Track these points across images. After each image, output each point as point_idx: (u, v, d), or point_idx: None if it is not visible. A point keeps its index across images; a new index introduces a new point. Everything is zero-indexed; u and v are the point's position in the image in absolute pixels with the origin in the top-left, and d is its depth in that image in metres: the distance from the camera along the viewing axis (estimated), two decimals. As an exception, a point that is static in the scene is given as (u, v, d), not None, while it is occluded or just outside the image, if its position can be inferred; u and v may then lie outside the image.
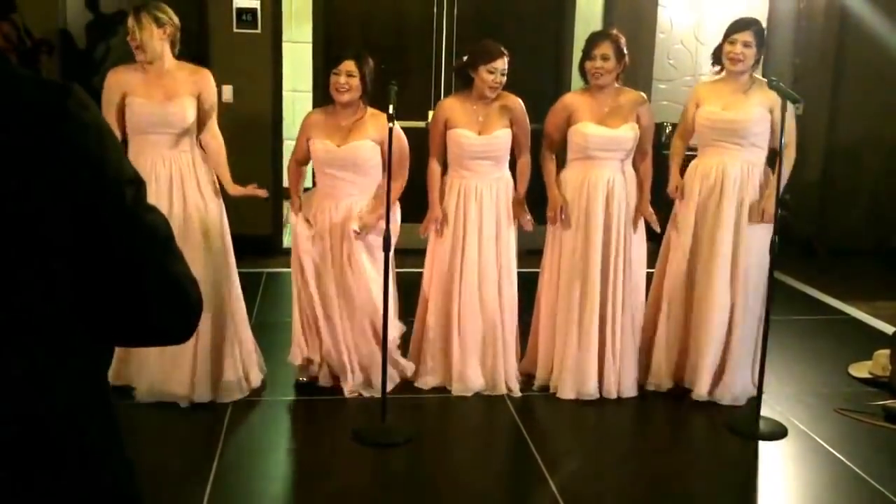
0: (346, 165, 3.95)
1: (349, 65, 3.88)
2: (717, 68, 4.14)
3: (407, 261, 4.70)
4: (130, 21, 3.80)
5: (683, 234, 4.15)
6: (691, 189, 4.13)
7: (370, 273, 3.97)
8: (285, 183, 6.15)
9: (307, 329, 4.07)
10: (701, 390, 4.10)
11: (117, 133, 3.79)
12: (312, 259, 3.99)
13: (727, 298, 4.06)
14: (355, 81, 3.88)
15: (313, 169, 4.21)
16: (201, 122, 3.91)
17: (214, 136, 3.96)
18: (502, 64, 4.00)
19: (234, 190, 3.99)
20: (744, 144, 4.03)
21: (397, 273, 4.13)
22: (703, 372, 4.10)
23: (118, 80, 3.84)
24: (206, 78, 3.95)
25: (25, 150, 1.02)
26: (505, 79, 4.04)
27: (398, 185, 3.98)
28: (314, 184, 4.27)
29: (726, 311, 4.07)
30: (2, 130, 1.01)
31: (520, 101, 4.13)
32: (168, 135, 3.81)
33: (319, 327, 4.04)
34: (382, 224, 3.71)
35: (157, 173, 3.77)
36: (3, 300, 1.01)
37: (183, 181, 3.82)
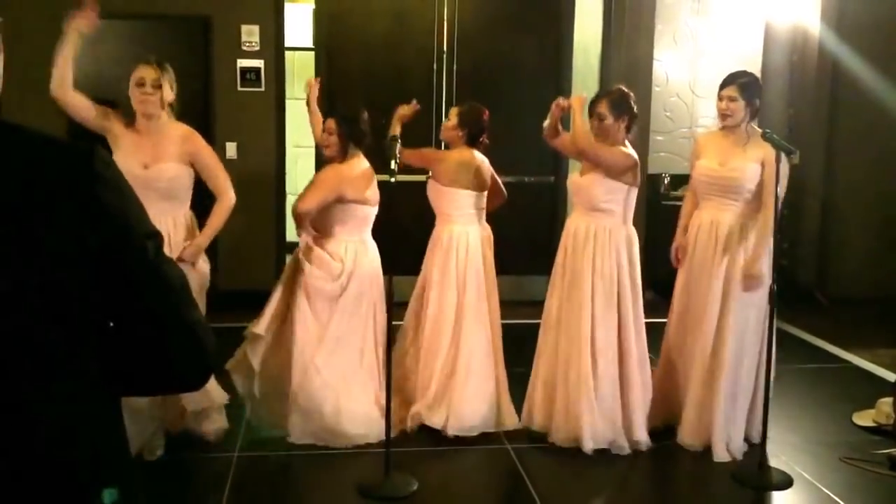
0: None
1: (330, 123, 4.05)
2: (721, 124, 4.21)
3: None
4: (151, 71, 3.60)
5: (677, 289, 4.23)
6: (688, 240, 4.20)
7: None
8: (288, 238, 6.23)
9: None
10: (685, 440, 4.13)
11: None
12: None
13: (710, 351, 4.06)
14: (334, 139, 4.04)
15: None
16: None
17: (215, 193, 3.85)
18: (447, 120, 4.31)
19: (202, 237, 3.79)
20: (738, 200, 4.06)
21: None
22: (686, 422, 4.14)
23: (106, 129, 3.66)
24: (196, 145, 3.76)
25: (57, 209, 1.05)
26: (454, 133, 4.23)
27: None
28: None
29: (707, 363, 4.07)
30: (33, 192, 1.05)
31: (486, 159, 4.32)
32: (153, 194, 3.56)
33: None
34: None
35: None
36: (29, 354, 1.05)
37: (169, 241, 3.63)
